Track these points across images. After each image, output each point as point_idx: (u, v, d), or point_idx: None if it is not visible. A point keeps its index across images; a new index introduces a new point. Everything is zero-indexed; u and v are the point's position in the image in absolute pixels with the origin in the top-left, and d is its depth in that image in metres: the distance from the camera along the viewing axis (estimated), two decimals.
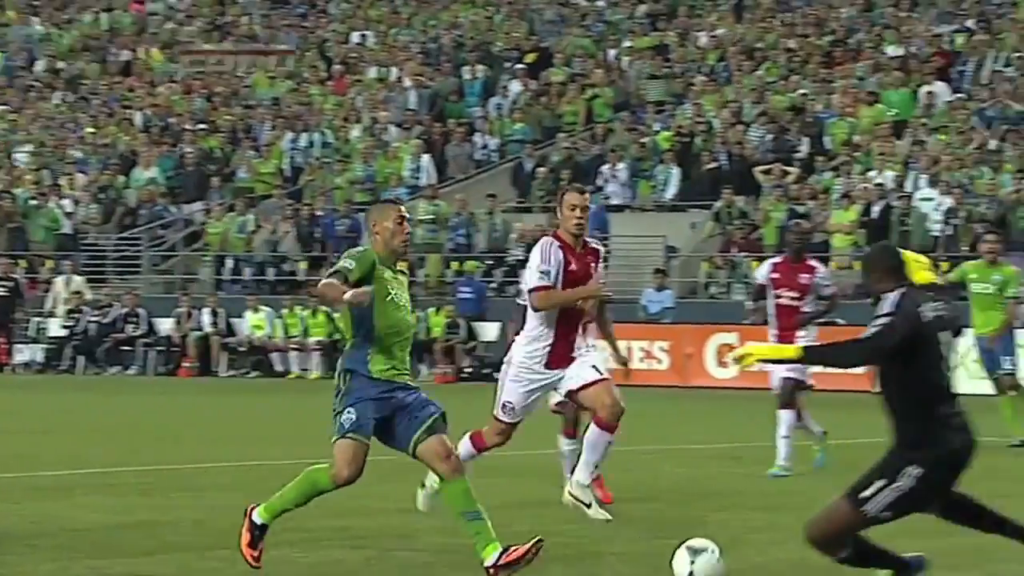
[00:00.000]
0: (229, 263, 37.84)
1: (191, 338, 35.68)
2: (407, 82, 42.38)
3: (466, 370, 33.72)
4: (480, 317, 34.29)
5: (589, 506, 10.68)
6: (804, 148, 35.72)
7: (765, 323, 15.46)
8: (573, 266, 10.93)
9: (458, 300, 34.52)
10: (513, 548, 8.93)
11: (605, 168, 36.67)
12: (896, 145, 34.46)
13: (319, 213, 37.69)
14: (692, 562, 8.63)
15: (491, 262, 36.06)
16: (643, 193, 36.70)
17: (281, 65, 44.74)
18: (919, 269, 8.82)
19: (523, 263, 39.55)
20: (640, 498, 11.63)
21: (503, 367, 11.34)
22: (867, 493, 8.15)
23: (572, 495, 10.83)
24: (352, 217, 37.21)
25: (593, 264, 11.09)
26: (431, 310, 34.18)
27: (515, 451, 12.93)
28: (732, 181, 34.85)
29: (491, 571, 8.92)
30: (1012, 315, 18.77)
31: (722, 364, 28.50)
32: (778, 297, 15.15)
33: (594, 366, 10.96)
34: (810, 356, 8.58)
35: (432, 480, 11.13)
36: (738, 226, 33.99)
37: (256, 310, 35.61)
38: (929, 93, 35.79)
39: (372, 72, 43.87)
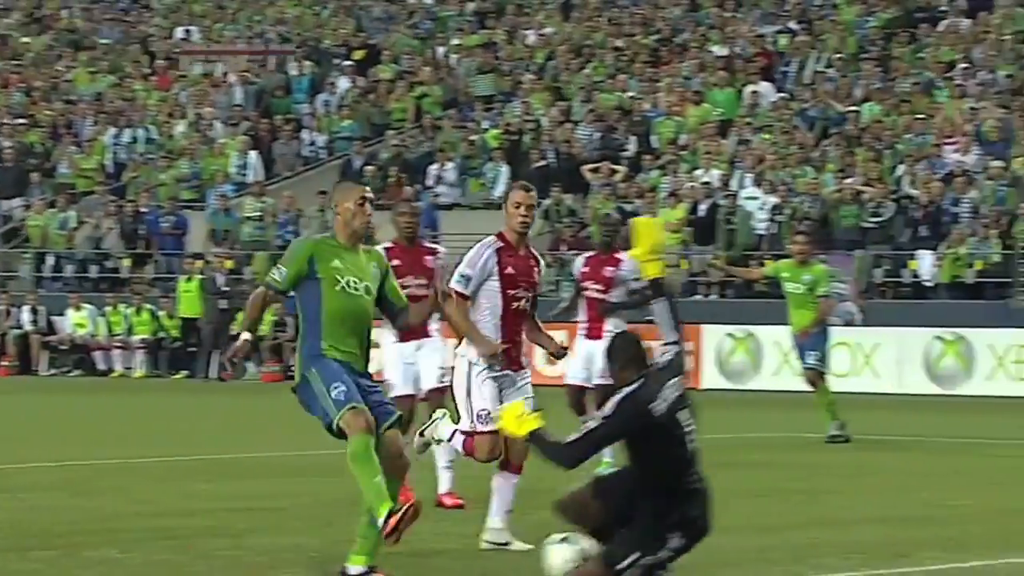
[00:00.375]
0: (50, 260, 37.22)
1: (10, 336, 35.04)
2: (232, 78, 42.02)
3: (293, 368, 33.39)
4: None
5: (507, 544, 10.40)
6: (632, 147, 36.03)
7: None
8: (510, 269, 10.39)
9: (286, 298, 34.17)
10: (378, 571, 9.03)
11: (434, 167, 36.67)
12: (721, 144, 34.88)
13: (143, 210, 37.23)
14: (577, 545, 8.55)
15: None
16: (473, 191, 36.77)
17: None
18: (650, 260, 8.83)
19: None
20: (475, 499, 11.68)
21: (457, 369, 10.58)
22: (623, 565, 8.27)
23: (489, 541, 10.47)
24: (177, 214, 36.81)
25: (535, 268, 10.53)
26: None
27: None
28: (561, 179, 35.04)
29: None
30: (824, 312, 19.18)
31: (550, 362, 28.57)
32: (585, 290, 15.37)
33: (527, 399, 10.29)
34: (532, 441, 8.52)
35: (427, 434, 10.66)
36: (567, 224, 34.19)
37: (78, 308, 35.06)
38: (754, 93, 36.28)
39: (197, 68, 43.42)
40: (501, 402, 10.28)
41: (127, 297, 35.19)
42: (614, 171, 35.19)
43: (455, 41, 42.16)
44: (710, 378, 29.62)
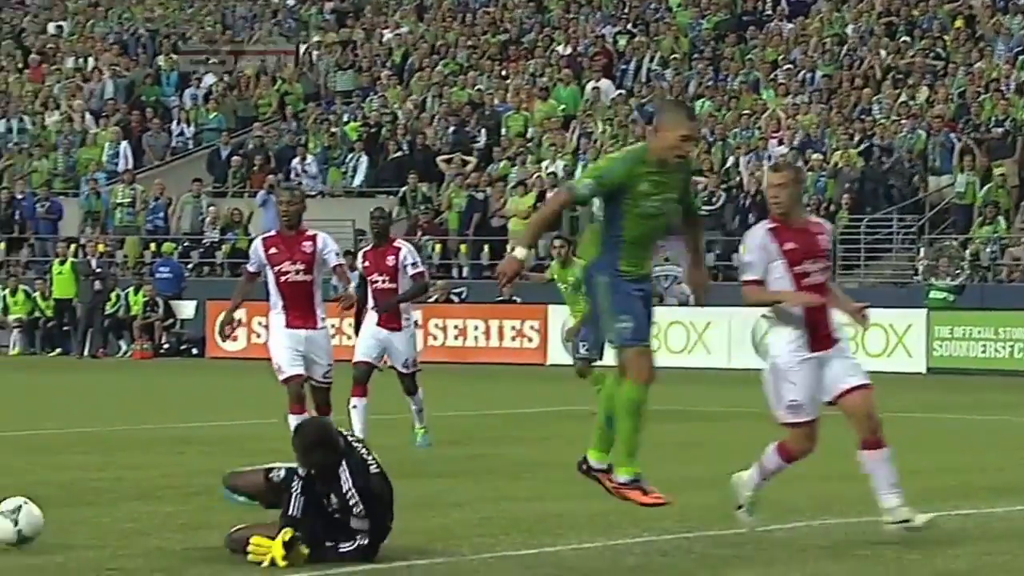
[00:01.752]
0: None
1: None
2: (104, 72, 41.40)
3: (164, 346, 33.21)
4: (178, 296, 33.82)
5: (909, 521, 9.44)
6: (482, 139, 36.06)
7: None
8: (790, 244, 9.41)
9: (157, 280, 33.95)
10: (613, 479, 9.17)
11: (296, 159, 36.50)
12: (565, 137, 35.00)
13: (18, 196, 36.64)
14: (16, 521, 8.37)
15: (188, 244, 35.67)
16: (333, 180, 36.61)
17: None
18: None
19: (218, 244, 38.82)
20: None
21: (766, 369, 9.74)
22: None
23: (891, 522, 9.45)
24: (51, 199, 36.41)
25: (821, 236, 9.50)
26: (130, 289, 33.63)
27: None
28: (416, 168, 34.98)
29: (584, 468, 9.26)
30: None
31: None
32: (373, 283, 14.95)
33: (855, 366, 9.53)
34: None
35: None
36: (423, 211, 34.16)
37: None
38: (595, 89, 36.43)
39: (69, 62, 42.73)
40: (820, 383, 9.53)
41: (3, 279, 34.55)
42: (466, 162, 35.20)
43: (316, 38, 41.91)
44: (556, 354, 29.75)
